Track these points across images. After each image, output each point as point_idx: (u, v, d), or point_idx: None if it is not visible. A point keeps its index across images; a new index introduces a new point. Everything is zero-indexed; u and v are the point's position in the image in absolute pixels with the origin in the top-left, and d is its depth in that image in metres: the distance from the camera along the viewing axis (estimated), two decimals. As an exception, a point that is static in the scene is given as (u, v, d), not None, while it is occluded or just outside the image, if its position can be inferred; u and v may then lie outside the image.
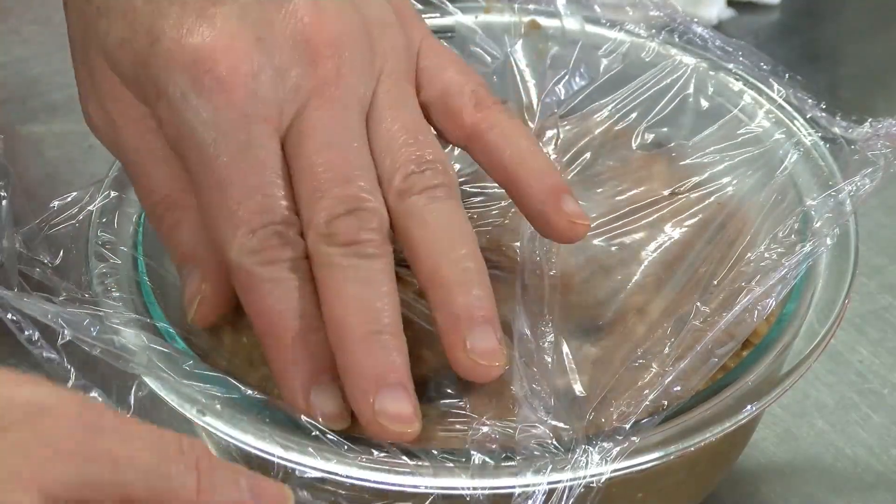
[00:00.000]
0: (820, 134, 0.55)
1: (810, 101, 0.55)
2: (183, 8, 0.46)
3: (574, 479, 0.43)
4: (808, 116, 0.56)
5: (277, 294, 0.45)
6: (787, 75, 0.57)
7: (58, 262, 0.51)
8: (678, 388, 0.46)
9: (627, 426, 0.44)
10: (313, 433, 0.44)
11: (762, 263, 0.49)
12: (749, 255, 0.50)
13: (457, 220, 0.46)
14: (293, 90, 0.46)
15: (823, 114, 0.54)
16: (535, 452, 0.44)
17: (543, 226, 0.48)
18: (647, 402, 0.45)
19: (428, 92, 0.50)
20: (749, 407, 0.46)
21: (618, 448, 0.43)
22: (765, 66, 0.57)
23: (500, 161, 0.49)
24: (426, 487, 0.43)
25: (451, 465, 0.43)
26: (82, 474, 0.36)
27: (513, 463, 0.43)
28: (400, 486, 0.43)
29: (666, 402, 0.46)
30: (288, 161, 0.46)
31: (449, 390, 0.47)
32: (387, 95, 0.48)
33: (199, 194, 0.46)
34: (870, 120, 0.53)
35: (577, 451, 0.43)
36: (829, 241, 0.50)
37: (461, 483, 0.43)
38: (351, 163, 0.46)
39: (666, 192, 0.55)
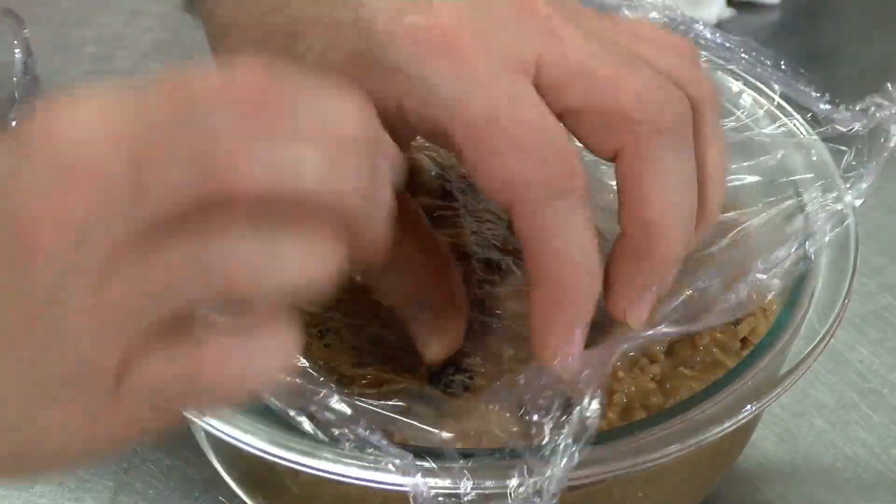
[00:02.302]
0: (820, 132, 0.55)
1: (813, 94, 0.55)
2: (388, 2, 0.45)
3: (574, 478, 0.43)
4: (808, 116, 0.55)
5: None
6: (789, 69, 0.57)
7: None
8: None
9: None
10: (311, 433, 0.44)
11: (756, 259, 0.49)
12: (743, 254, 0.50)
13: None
14: (516, 41, 0.44)
15: (827, 106, 0.54)
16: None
17: None
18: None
19: None
20: (749, 407, 0.46)
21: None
22: (767, 62, 0.57)
23: None
24: (426, 486, 0.43)
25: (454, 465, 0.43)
26: None
27: (513, 461, 0.43)
28: (400, 485, 0.43)
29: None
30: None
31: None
32: None
33: (478, 163, 0.44)
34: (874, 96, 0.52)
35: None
36: (825, 238, 0.50)
37: (461, 483, 0.43)
38: None
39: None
